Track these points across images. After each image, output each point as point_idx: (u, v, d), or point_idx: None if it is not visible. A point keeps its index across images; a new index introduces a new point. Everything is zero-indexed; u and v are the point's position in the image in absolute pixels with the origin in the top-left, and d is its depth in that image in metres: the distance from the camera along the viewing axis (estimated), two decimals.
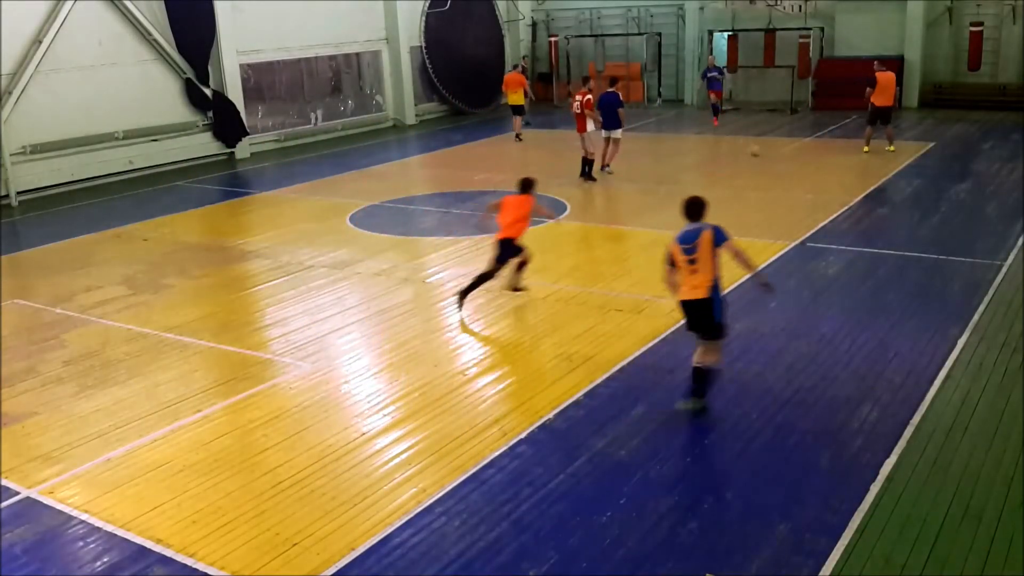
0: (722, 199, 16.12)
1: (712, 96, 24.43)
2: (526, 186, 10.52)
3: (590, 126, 17.60)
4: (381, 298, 11.16)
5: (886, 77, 18.32)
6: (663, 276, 7.76)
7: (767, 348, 9.05)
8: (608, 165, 17.95)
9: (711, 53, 26.79)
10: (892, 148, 18.76)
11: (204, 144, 22.30)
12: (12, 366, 9.44)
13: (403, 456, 7.15)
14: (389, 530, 6.12)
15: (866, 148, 18.87)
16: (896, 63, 24.93)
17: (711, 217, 7.58)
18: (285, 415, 8.01)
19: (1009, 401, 7.67)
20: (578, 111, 17.63)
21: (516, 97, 23.31)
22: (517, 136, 23.23)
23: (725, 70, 26.14)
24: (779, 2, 26.88)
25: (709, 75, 24.52)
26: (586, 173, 17.63)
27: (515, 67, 26.15)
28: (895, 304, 10.12)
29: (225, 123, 22.38)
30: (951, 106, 24.58)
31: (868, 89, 18.39)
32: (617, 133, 17.63)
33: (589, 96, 17.62)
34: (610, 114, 17.37)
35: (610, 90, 17.60)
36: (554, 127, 24.86)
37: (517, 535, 6.01)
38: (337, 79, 26.59)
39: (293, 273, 12.35)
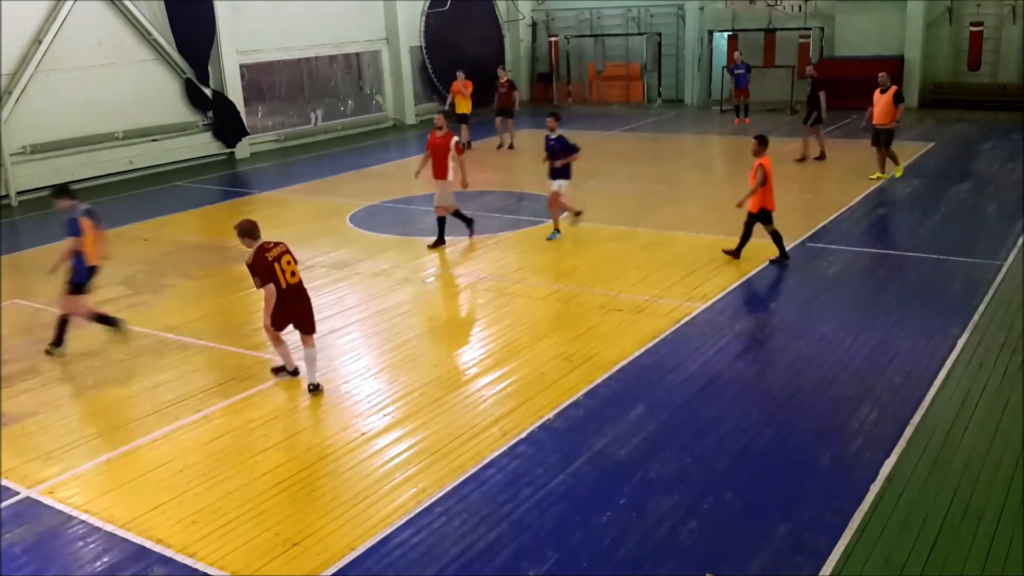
0: (722, 199, 16.20)
1: (740, 95, 24.04)
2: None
3: (451, 175, 13.18)
4: (381, 298, 11.16)
5: (876, 95, 16.27)
6: None
7: (767, 348, 9.05)
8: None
9: (737, 49, 26.38)
10: (876, 175, 16.39)
11: (204, 144, 22.30)
12: (12, 366, 9.43)
13: (403, 456, 7.15)
14: (389, 530, 6.11)
15: (875, 175, 16.45)
16: (896, 63, 24.96)
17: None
18: (285, 415, 8.02)
19: (1009, 401, 7.67)
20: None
21: (463, 104, 21.85)
22: (468, 144, 21.22)
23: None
24: (779, 2, 26.86)
25: (736, 71, 24.21)
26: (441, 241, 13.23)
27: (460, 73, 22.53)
28: (895, 304, 10.12)
29: (225, 123, 22.38)
30: (951, 106, 24.57)
31: (869, 108, 16.48)
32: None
33: (456, 138, 13.16)
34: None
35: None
36: None
37: (517, 535, 6.01)
38: (337, 79, 26.56)
39: None
